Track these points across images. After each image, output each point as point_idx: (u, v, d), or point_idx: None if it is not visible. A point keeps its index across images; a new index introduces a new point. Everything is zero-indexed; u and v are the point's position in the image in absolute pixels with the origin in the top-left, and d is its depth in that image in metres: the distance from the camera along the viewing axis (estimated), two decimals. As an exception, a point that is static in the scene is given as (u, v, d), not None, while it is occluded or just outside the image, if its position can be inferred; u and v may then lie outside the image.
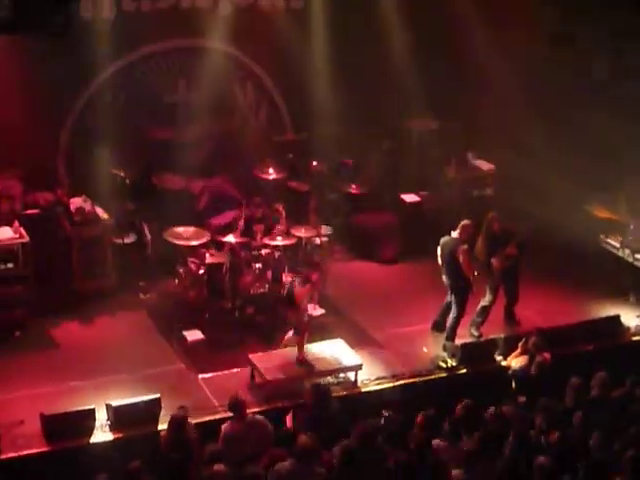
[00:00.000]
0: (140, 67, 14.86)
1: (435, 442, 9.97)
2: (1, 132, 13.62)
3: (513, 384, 11.81)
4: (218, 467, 9.32)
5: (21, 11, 10.48)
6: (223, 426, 10.30)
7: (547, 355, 11.77)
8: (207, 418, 11.11)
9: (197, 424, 10.58)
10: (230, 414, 10.53)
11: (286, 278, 12.89)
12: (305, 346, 12.17)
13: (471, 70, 15.96)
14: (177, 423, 10.06)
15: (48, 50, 13.30)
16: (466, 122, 16.20)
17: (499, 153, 16.28)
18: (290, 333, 12.31)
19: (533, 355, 11.77)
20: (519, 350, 12.01)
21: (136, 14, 14.20)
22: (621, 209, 15.31)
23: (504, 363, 12.25)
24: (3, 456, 10.52)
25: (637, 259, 14.45)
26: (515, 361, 11.94)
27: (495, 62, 15.78)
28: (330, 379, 12.00)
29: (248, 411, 10.56)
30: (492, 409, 10.47)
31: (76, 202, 13.60)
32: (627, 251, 14.60)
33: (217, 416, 11.20)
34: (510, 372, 11.91)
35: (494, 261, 13.09)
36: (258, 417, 10.52)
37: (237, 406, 10.40)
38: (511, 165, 15.96)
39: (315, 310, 13.10)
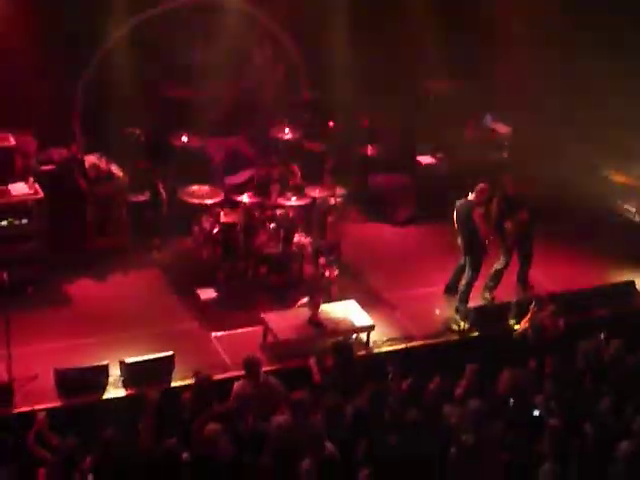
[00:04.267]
0: (157, 24, 14.77)
1: (446, 407, 10.05)
2: (15, 87, 13.63)
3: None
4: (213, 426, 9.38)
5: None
6: (235, 384, 10.38)
7: (560, 320, 11.81)
8: (219, 376, 11.16)
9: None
10: (242, 372, 10.62)
11: (299, 238, 12.89)
12: (319, 305, 12.24)
13: (491, 33, 15.83)
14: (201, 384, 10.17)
15: (64, 4, 13.30)
16: (484, 83, 16.07)
17: (517, 116, 16.19)
18: (304, 299, 12.37)
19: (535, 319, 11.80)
20: (531, 314, 12.03)
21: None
22: (638, 175, 15.27)
23: (517, 327, 12.27)
24: (16, 410, 10.66)
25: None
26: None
27: (516, 27, 15.66)
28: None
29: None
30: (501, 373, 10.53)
31: (90, 159, 13.62)
32: (644, 217, 14.62)
33: (229, 374, 11.31)
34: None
35: (508, 225, 13.10)
36: (271, 378, 10.56)
37: (252, 366, 10.42)
38: (529, 128, 15.90)
39: (328, 271, 13.13)
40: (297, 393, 9.93)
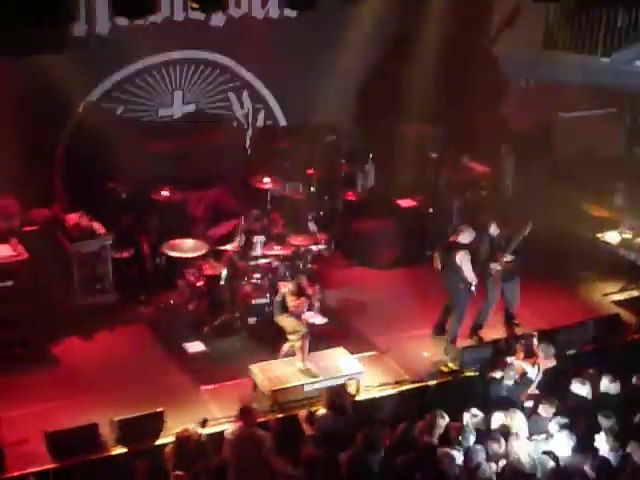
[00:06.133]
0: (135, 81, 14.80)
1: (440, 451, 9.95)
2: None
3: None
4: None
5: (15, 32, 10.42)
6: (226, 432, 10.37)
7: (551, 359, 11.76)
8: (210, 430, 11.03)
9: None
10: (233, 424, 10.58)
11: (280, 285, 12.78)
12: (307, 354, 12.16)
13: (463, 77, 15.93)
14: (182, 439, 10.07)
15: (42, 67, 13.25)
16: (459, 126, 16.11)
17: (492, 157, 16.23)
18: (286, 345, 12.29)
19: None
20: (520, 352, 11.94)
21: (130, 28, 14.09)
22: (617, 208, 15.29)
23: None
24: (8, 475, 10.47)
25: (636, 258, 14.41)
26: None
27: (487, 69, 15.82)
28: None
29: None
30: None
31: (73, 218, 13.56)
32: (624, 249, 14.55)
33: (220, 428, 11.15)
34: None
35: (492, 264, 13.04)
36: (261, 432, 10.44)
37: (246, 413, 10.40)
38: (504, 168, 15.94)
39: (316, 318, 13.06)
40: (307, 450, 9.93)
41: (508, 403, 11.03)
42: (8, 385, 11.16)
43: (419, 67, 15.45)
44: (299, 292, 12.20)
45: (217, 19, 14.73)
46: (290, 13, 15.07)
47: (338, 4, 12.18)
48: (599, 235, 14.96)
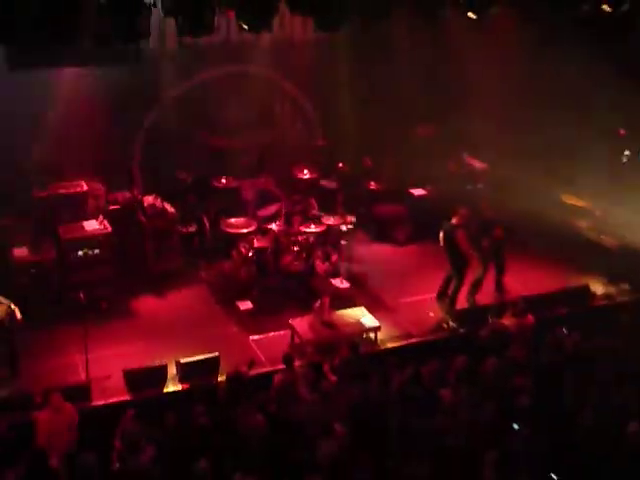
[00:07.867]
0: (199, 89, 14.84)
1: (442, 391, 10.00)
2: (88, 145, 13.68)
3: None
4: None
5: (101, 46, 10.50)
6: (275, 376, 10.47)
7: (530, 317, 11.73)
8: (256, 372, 11.14)
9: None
10: (277, 367, 10.79)
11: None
12: (333, 312, 12.29)
13: (463, 85, 15.81)
14: (232, 378, 10.27)
15: (123, 76, 13.39)
16: (459, 128, 15.99)
17: (486, 154, 16.14)
18: (318, 302, 12.39)
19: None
20: (509, 313, 11.91)
21: (195, 47, 14.13)
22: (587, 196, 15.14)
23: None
24: (93, 404, 10.72)
25: (602, 239, 14.32)
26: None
27: (483, 78, 15.65)
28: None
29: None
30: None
31: (148, 199, 13.69)
32: (594, 232, 14.44)
33: (264, 370, 11.33)
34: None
35: (484, 241, 13.05)
36: (304, 369, 10.67)
37: (289, 360, 10.58)
38: (496, 164, 15.83)
39: (342, 284, 13.14)
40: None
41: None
42: (95, 332, 11.30)
43: (427, 77, 15.41)
44: (326, 259, 12.45)
45: (265, 41, 14.68)
46: (323, 37, 14.93)
47: (363, 25, 12.03)
48: (571, 219, 14.82)
